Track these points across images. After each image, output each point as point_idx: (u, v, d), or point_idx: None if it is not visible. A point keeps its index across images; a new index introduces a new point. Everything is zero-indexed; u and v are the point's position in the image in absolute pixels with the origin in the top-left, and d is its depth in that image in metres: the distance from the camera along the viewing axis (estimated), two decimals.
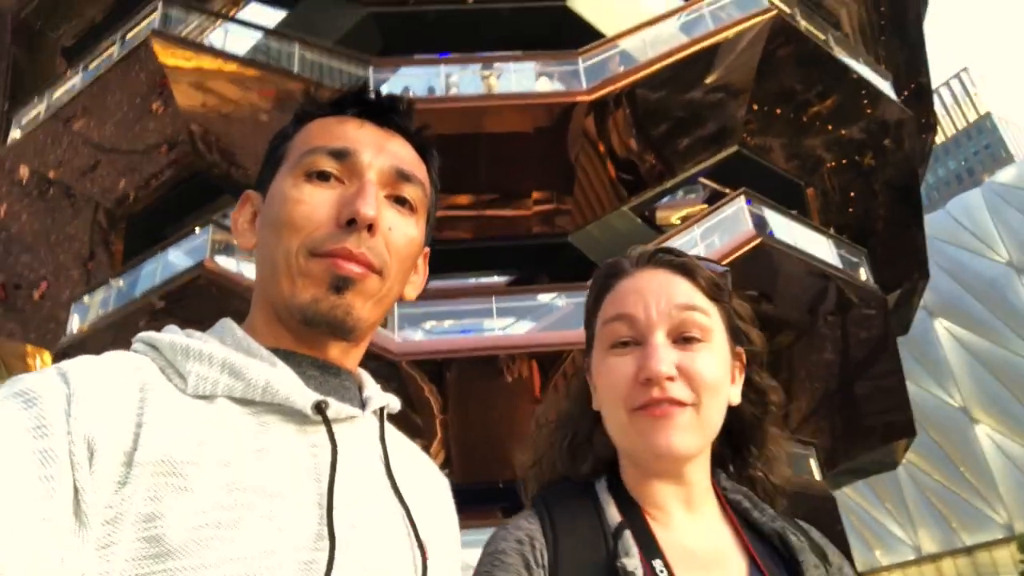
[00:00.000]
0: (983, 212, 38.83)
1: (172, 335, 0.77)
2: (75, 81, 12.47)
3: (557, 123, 11.19)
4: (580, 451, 1.03)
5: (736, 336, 1.02)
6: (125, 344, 0.78)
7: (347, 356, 0.87)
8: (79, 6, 13.91)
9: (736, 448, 1.06)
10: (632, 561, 0.86)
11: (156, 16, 11.57)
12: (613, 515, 0.93)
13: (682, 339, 0.94)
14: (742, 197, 11.75)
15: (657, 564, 0.87)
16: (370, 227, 0.80)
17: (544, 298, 11.61)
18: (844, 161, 13.98)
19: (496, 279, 13.69)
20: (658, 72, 11.43)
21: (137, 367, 0.72)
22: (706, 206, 14.17)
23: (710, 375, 0.92)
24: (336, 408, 0.78)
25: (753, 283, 10.58)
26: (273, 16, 13.96)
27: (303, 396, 0.76)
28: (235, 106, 11.17)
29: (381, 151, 0.85)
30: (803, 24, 12.66)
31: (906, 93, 15.92)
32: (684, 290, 0.97)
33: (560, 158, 11.46)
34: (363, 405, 0.86)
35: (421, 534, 0.80)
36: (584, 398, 1.04)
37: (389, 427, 0.88)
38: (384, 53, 12.07)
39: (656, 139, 12.45)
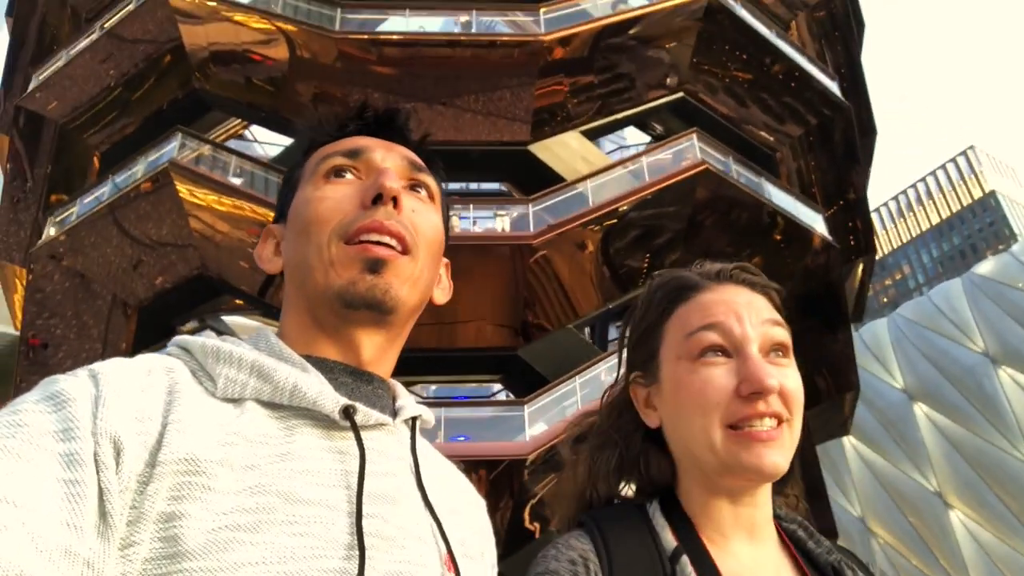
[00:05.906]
0: (962, 301, 39.93)
1: (205, 338, 0.79)
2: (104, 191, 14.51)
3: (512, 258, 13.03)
4: (627, 472, 1.01)
5: None
6: None
7: (383, 357, 0.87)
8: (114, 120, 16.04)
9: None
10: None
11: (175, 145, 13.66)
12: (668, 540, 0.91)
13: (772, 355, 0.93)
14: None
15: None
16: (395, 202, 0.84)
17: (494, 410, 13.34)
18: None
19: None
20: (600, 216, 13.31)
21: (168, 369, 0.74)
22: None
23: (799, 393, 0.92)
24: (364, 413, 0.78)
25: None
26: (279, 140, 16.04)
27: (331, 400, 0.75)
28: (226, 237, 13.16)
29: (391, 150, 0.92)
30: (735, 171, 14.52)
31: (839, 206, 17.75)
32: (768, 307, 0.97)
33: (514, 285, 13.27)
34: (395, 414, 0.85)
35: (453, 548, 0.79)
36: (631, 416, 1.01)
37: (421, 439, 0.87)
38: None
39: (601, 268, 14.27)
